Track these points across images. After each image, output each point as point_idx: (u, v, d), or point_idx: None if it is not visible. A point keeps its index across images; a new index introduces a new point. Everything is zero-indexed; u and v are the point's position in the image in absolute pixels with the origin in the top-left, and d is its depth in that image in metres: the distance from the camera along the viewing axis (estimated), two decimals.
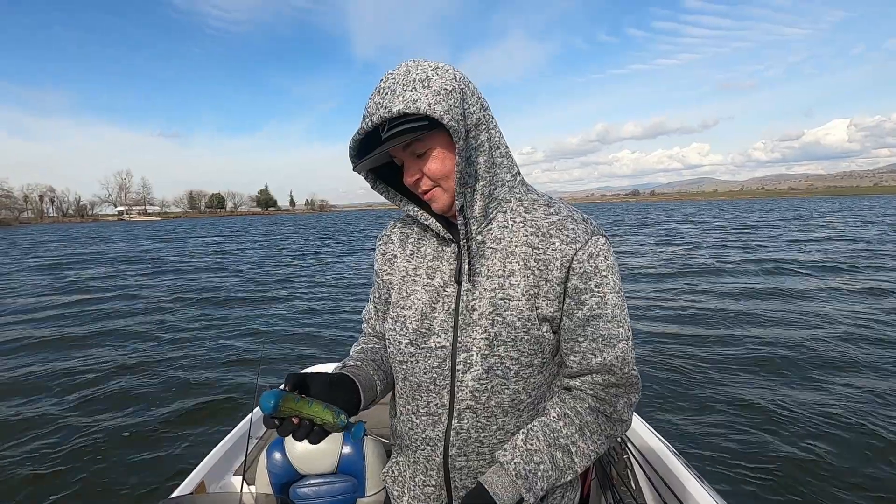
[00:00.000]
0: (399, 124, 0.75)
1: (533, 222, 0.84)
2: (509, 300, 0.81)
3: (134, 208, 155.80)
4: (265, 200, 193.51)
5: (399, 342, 0.89)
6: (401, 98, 0.73)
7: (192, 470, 1.72)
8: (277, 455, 1.58)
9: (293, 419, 0.72)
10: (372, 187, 0.89)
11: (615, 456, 1.69)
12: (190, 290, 10.87)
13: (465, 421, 0.85)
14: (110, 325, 7.69)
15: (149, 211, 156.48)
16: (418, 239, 0.94)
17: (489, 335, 0.81)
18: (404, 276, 0.92)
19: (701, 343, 5.81)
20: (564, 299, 0.82)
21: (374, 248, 1.03)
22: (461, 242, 0.84)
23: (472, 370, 0.83)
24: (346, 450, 1.55)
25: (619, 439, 0.89)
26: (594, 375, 0.84)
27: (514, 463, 0.81)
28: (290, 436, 0.72)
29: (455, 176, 0.78)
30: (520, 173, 0.89)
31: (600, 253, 0.81)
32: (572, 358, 0.84)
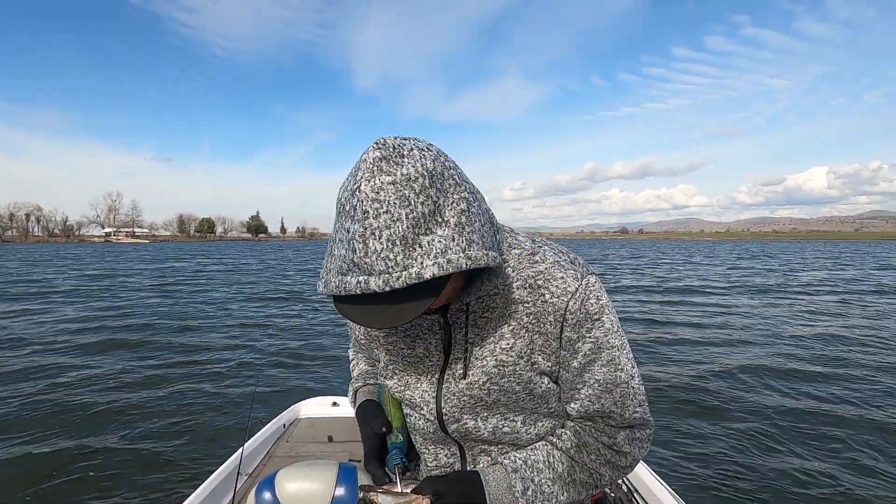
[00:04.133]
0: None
1: (519, 275, 0.77)
2: (504, 366, 0.76)
3: (122, 230, 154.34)
4: (256, 226, 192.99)
5: (399, 398, 0.89)
6: (426, 250, 0.58)
7: None
8: (267, 495, 1.52)
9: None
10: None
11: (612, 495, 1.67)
12: (182, 313, 10.68)
13: (481, 462, 0.84)
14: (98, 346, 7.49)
15: (136, 233, 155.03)
16: None
17: (487, 403, 0.78)
18: (382, 345, 0.88)
19: (698, 375, 5.79)
20: (559, 352, 0.77)
21: None
22: (448, 316, 0.79)
23: (472, 434, 0.81)
24: (340, 491, 1.51)
25: (622, 477, 0.84)
26: (594, 420, 0.81)
27: (511, 458, 0.79)
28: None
29: (470, 291, 0.72)
30: (498, 228, 0.79)
31: (591, 296, 0.75)
32: (572, 405, 0.81)
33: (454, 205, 0.61)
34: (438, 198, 0.59)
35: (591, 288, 0.76)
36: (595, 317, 0.75)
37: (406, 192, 0.58)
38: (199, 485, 1.82)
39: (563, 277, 0.75)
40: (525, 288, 0.76)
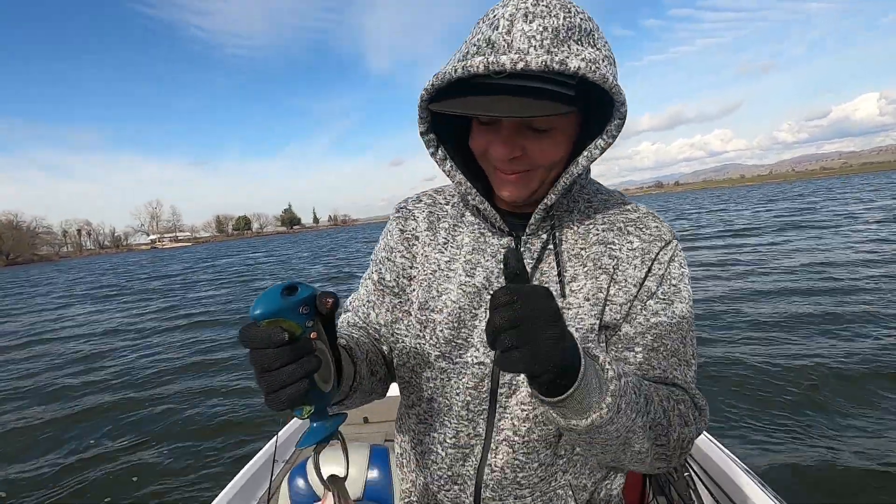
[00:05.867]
0: (540, 82, 0.53)
1: (606, 219, 0.71)
2: (569, 308, 0.67)
3: (165, 236, 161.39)
4: (290, 219, 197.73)
5: (427, 354, 0.72)
6: (574, 51, 0.53)
7: (213, 500, 1.63)
8: (300, 482, 1.46)
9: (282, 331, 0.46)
10: (432, 153, 0.66)
11: (674, 474, 1.51)
12: (226, 306, 11.03)
13: (500, 456, 0.71)
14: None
15: (179, 237, 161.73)
16: (453, 225, 0.75)
17: None
18: (435, 270, 0.73)
19: (769, 342, 5.48)
20: (633, 303, 0.68)
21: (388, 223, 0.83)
22: (524, 238, 0.70)
23: (517, 394, 0.69)
24: (372, 475, 1.43)
25: (678, 453, 0.67)
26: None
27: (614, 368, 0.55)
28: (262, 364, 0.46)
29: (568, 170, 0.62)
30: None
31: (677, 258, 0.70)
32: (624, 368, 0.68)
33: (605, 44, 0.58)
34: (595, 30, 0.57)
35: (680, 252, 0.72)
36: (675, 282, 0.70)
37: (568, 4, 0.56)
38: (236, 473, 1.79)
39: (657, 227, 0.71)
40: (612, 230, 0.71)
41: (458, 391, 0.71)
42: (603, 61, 0.54)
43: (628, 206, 0.74)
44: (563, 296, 0.67)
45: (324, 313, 0.51)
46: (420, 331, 0.73)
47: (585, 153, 0.60)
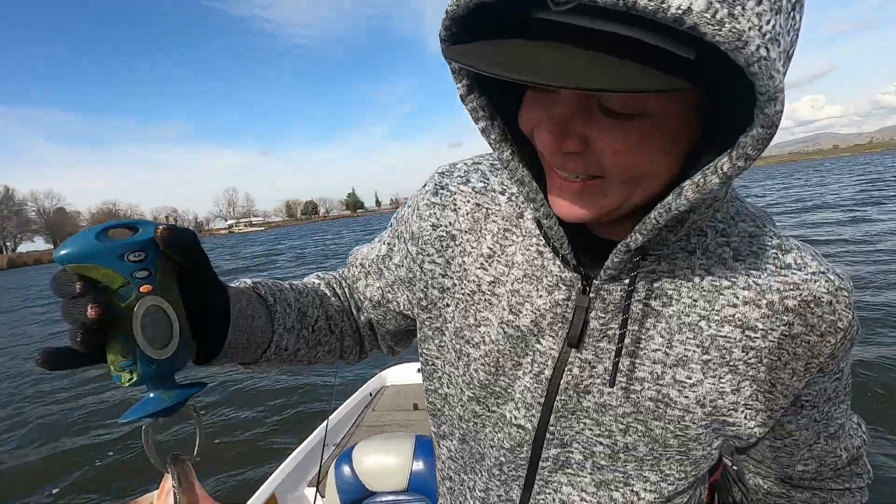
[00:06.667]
0: (634, 28, 0.30)
1: (751, 279, 0.45)
2: (668, 406, 0.47)
3: (241, 221, 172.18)
4: (353, 203, 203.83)
5: (460, 388, 0.58)
6: (733, 2, 0.27)
7: (265, 481, 1.66)
8: (346, 469, 1.44)
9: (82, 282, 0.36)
10: (482, 130, 0.41)
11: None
12: None
13: None
14: None
15: (253, 222, 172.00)
16: (504, 230, 0.54)
17: (616, 444, 0.50)
18: (473, 291, 0.55)
19: None
20: (799, 409, 0.52)
21: (419, 198, 0.61)
22: (597, 283, 0.47)
23: (567, 472, 0.53)
24: (418, 465, 1.38)
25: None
26: (840, 471, 0.62)
27: None
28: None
29: (665, 203, 0.37)
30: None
31: (854, 341, 0.48)
32: (800, 468, 0.60)
33: (796, 16, 0.32)
34: None
35: (858, 326, 0.48)
36: (846, 362, 0.51)
37: None
38: (286, 457, 1.81)
39: (831, 303, 0.44)
40: (760, 306, 0.44)
41: (492, 444, 0.57)
42: (785, 36, 0.30)
43: (788, 258, 0.46)
44: (611, 384, 0.47)
45: (161, 250, 0.39)
46: (455, 360, 0.58)
47: (699, 178, 0.34)
